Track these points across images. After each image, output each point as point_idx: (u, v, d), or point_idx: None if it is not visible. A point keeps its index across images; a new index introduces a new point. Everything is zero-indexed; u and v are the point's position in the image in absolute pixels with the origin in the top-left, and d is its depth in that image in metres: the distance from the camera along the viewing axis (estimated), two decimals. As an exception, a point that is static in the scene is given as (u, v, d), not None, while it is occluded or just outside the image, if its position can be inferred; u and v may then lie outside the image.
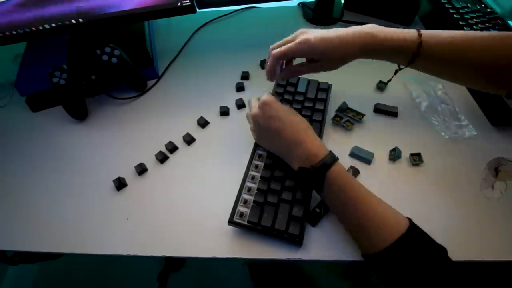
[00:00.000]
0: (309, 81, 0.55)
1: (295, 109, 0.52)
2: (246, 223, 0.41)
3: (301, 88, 0.54)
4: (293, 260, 0.40)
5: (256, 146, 0.49)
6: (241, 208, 0.43)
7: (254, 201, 0.43)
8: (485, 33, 0.41)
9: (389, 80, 0.52)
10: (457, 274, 0.33)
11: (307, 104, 0.52)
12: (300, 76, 0.55)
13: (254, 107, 0.46)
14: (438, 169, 0.47)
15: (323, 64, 0.44)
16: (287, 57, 0.45)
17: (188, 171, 0.50)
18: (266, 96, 0.45)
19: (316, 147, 0.40)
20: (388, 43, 0.41)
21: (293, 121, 0.43)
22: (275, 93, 0.54)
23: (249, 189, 0.44)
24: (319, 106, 0.52)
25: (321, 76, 0.55)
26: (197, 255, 0.42)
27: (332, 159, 0.38)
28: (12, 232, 0.46)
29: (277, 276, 0.95)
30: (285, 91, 0.55)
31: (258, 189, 0.44)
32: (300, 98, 0.53)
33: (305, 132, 0.42)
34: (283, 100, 0.54)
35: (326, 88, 0.54)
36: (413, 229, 0.35)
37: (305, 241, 0.41)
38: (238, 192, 0.44)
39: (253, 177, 0.45)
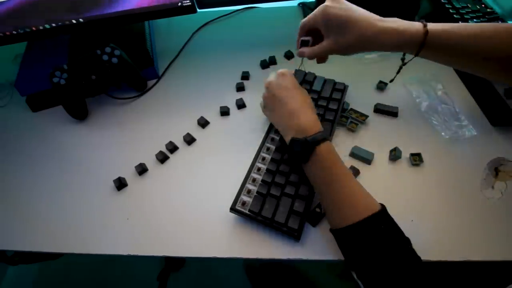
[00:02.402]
0: (325, 80, 0.55)
1: None
2: (247, 211, 0.42)
3: (316, 86, 0.54)
4: (293, 260, 0.40)
5: (265, 141, 0.49)
6: (244, 197, 0.44)
7: (257, 192, 0.44)
8: (491, 24, 0.41)
9: (392, 80, 0.51)
10: (416, 262, 0.34)
11: (320, 103, 0.52)
12: (317, 75, 0.55)
13: (272, 76, 0.48)
14: (438, 169, 0.47)
15: (336, 41, 0.43)
16: (308, 25, 0.45)
17: (189, 171, 0.50)
18: (286, 69, 0.48)
19: (312, 122, 0.42)
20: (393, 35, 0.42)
21: (299, 95, 0.45)
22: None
23: (254, 180, 0.45)
24: (332, 105, 0.52)
25: (324, 76, 0.56)
26: (197, 255, 0.42)
27: (323, 136, 0.40)
28: (12, 232, 0.46)
29: (275, 278, 0.95)
30: None
31: (262, 180, 0.44)
32: (315, 96, 0.53)
33: (305, 107, 0.44)
34: None
35: (342, 89, 0.54)
36: (383, 214, 0.36)
37: (305, 241, 0.42)
38: (243, 181, 0.45)
39: (258, 169, 0.46)
